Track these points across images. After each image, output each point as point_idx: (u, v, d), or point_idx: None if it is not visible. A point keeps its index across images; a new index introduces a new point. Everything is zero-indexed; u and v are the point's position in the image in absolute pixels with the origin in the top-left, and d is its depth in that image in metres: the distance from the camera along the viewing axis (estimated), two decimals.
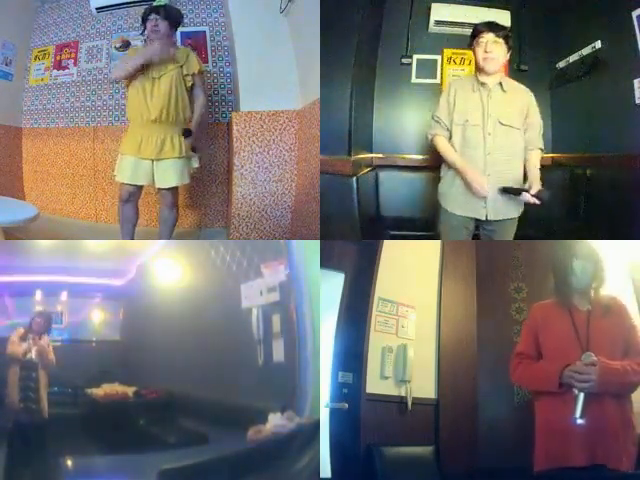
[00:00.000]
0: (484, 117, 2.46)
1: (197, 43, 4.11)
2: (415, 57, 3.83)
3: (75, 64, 4.27)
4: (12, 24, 4.16)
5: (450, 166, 2.55)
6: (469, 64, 3.74)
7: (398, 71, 3.81)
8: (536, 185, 2.39)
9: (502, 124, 2.46)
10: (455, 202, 2.56)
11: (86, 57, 4.26)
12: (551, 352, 1.92)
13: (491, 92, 2.48)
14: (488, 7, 3.76)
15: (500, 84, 2.50)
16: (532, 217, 3.21)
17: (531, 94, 2.60)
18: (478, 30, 2.48)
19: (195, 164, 3.40)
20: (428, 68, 3.80)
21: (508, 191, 2.46)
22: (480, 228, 2.63)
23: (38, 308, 3.04)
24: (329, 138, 2.99)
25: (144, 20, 3.19)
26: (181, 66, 3.19)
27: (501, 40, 2.44)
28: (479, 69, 2.50)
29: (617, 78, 3.02)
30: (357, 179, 3.09)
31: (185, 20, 4.12)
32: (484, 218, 2.53)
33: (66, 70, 4.29)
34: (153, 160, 3.19)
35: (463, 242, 2.78)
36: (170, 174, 3.24)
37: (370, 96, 3.75)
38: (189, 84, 3.25)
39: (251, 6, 3.60)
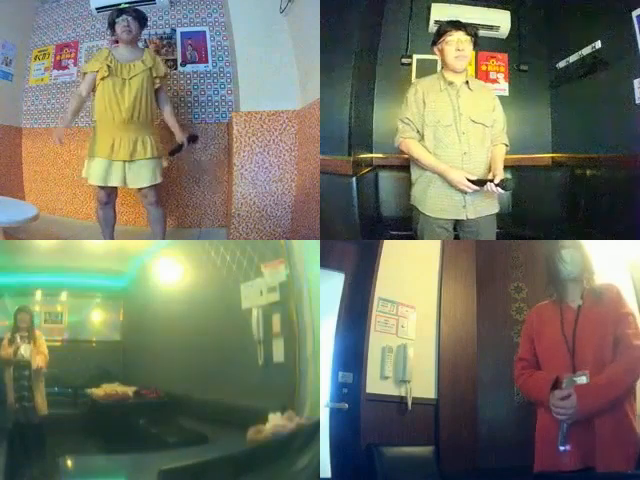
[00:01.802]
0: (455, 116, 2.43)
1: (197, 43, 4.11)
2: (415, 57, 3.83)
3: (75, 64, 4.27)
4: (12, 24, 4.16)
5: (425, 169, 2.49)
6: (470, 64, 3.74)
7: (398, 71, 3.81)
8: (499, 175, 2.36)
9: (474, 122, 2.44)
10: (433, 206, 2.50)
11: (86, 57, 4.24)
12: (542, 357, 1.93)
13: (459, 91, 2.46)
14: (488, 7, 3.76)
15: (467, 82, 2.49)
16: (532, 217, 3.23)
17: (494, 91, 2.62)
18: (447, 28, 2.45)
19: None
20: (428, 68, 3.80)
21: (473, 183, 2.41)
22: (459, 229, 2.57)
23: (15, 307, 3.03)
24: (329, 138, 2.99)
25: (112, 23, 3.18)
26: (150, 68, 3.22)
27: (470, 38, 2.43)
28: (448, 68, 2.48)
29: (617, 78, 3.02)
30: (357, 179, 3.09)
31: (185, 20, 4.14)
32: (465, 218, 2.49)
33: (66, 70, 4.28)
34: (125, 162, 3.21)
35: (463, 242, 2.77)
36: (143, 174, 3.26)
37: (370, 96, 3.76)
38: (157, 86, 3.29)
39: (251, 6, 3.59)
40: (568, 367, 1.82)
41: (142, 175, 3.26)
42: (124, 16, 3.14)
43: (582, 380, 1.75)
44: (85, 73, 3.26)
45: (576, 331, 1.85)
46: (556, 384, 1.79)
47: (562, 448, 1.73)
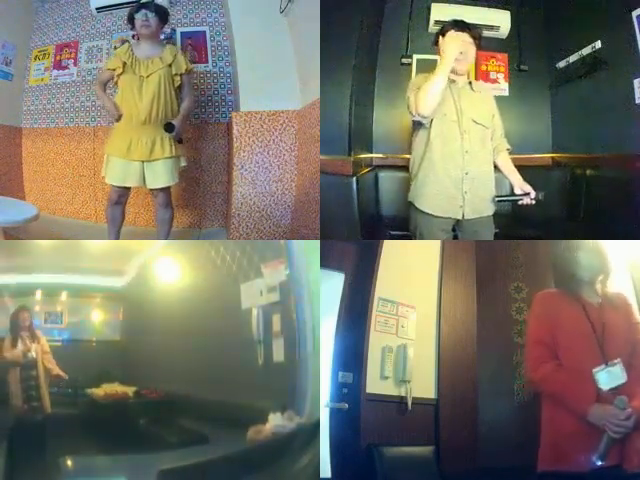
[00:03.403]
0: (458, 114, 2.41)
1: (197, 43, 4.11)
2: (415, 57, 3.84)
3: (75, 64, 4.27)
4: (12, 24, 4.16)
5: (440, 80, 2.28)
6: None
7: (398, 71, 3.81)
8: (531, 189, 2.41)
9: (475, 122, 2.42)
10: (431, 202, 2.46)
11: (86, 57, 4.26)
12: (565, 346, 1.85)
13: (461, 91, 2.44)
14: (488, 7, 3.76)
15: (470, 83, 2.47)
16: (532, 217, 3.22)
17: (493, 96, 2.59)
18: (450, 29, 2.41)
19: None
20: (428, 68, 3.79)
21: (505, 200, 2.50)
22: (457, 229, 2.55)
23: (16, 306, 3.03)
24: (329, 138, 2.99)
25: (132, 17, 3.15)
26: (169, 65, 3.16)
27: (474, 40, 2.40)
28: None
29: (617, 78, 3.02)
30: (357, 179, 3.09)
31: (185, 20, 4.14)
32: (461, 217, 2.46)
33: (66, 70, 4.29)
34: (143, 162, 3.18)
35: (463, 242, 2.77)
36: (161, 174, 3.23)
37: (370, 96, 3.76)
38: (177, 84, 3.22)
39: (251, 6, 3.59)
40: (598, 358, 1.77)
41: (161, 175, 3.23)
42: (143, 11, 3.10)
43: (617, 369, 1.72)
44: (102, 69, 3.28)
45: (605, 325, 1.81)
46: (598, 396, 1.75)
47: (600, 463, 1.68)
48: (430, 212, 2.46)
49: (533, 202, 2.40)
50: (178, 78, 3.21)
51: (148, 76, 3.13)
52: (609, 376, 1.73)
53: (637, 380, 1.75)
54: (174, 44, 4.10)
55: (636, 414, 1.67)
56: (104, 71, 3.27)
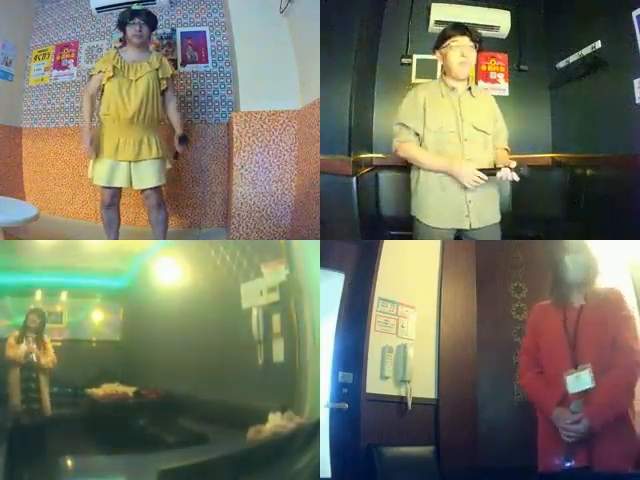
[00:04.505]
0: (458, 122, 2.38)
1: (197, 43, 4.12)
2: (415, 57, 3.83)
3: (75, 64, 4.27)
4: (12, 24, 4.16)
5: (428, 169, 2.40)
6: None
7: (398, 71, 3.81)
8: (513, 162, 2.27)
9: (477, 129, 2.40)
10: (435, 215, 2.44)
11: (86, 57, 4.26)
12: (544, 353, 1.95)
13: (461, 97, 2.42)
14: (488, 7, 3.76)
15: (469, 89, 2.45)
16: (532, 217, 3.23)
17: (494, 100, 2.57)
18: (451, 33, 2.39)
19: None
20: (428, 68, 3.80)
21: (485, 173, 2.38)
22: (463, 238, 2.53)
23: (31, 307, 3.05)
24: (329, 138, 2.99)
25: (124, 24, 3.16)
26: (157, 69, 3.23)
27: (474, 44, 2.38)
28: (450, 74, 2.41)
29: (617, 78, 3.02)
30: (357, 179, 3.09)
31: (185, 20, 4.14)
32: (468, 227, 2.43)
33: (66, 70, 4.29)
34: (130, 162, 3.20)
35: (463, 242, 2.77)
36: (148, 175, 3.26)
37: (370, 96, 3.76)
38: (163, 87, 3.29)
39: (251, 6, 3.60)
40: (569, 362, 1.83)
41: (147, 176, 3.26)
42: (136, 19, 3.13)
43: (585, 374, 1.76)
44: (92, 75, 3.27)
45: (578, 328, 1.86)
46: (563, 399, 1.80)
47: (568, 464, 1.73)
48: (436, 225, 2.45)
49: (515, 177, 2.24)
50: (164, 82, 3.28)
51: (137, 80, 3.17)
52: (577, 381, 1.79)
53: (605, 383, 1.77)
54: (174, 44, 4.11)
55: (587, 419, 1.71)
56: (93, 78, 3.25)
